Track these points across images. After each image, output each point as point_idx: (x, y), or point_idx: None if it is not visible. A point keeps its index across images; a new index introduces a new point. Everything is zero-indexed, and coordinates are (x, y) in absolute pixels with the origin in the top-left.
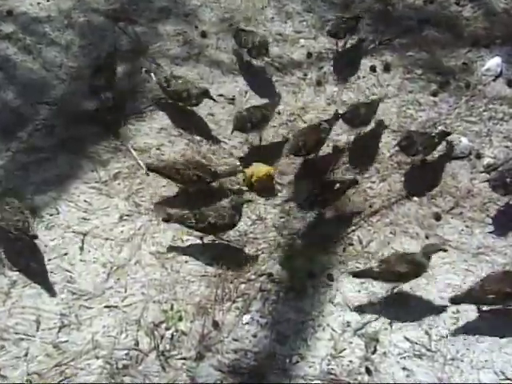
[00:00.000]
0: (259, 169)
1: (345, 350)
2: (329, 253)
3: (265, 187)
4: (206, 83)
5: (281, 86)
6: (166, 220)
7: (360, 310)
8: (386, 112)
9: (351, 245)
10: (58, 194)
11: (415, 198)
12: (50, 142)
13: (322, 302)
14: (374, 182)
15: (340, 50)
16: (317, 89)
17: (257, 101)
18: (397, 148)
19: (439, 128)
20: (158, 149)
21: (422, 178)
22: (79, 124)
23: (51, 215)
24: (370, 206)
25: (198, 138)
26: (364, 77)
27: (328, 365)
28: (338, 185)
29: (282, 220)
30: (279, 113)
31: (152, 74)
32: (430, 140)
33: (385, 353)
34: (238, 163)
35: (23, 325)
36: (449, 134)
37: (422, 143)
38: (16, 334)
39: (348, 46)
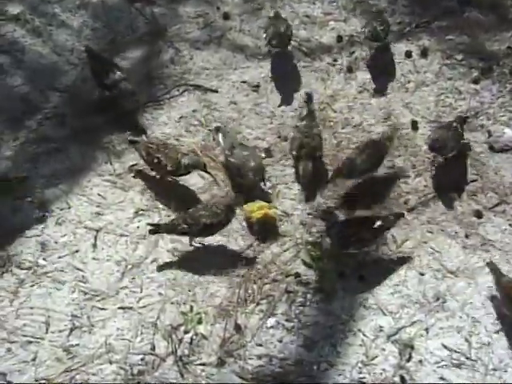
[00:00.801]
0: (258, 208)
1: (377, 357)
2: (361, 252)
3: (265, 230)
4: (228, 69)
5: (309, 73)
6: (153, 232)
7: (394, 314)
8: (423, 101)
9: (385, 244)
10: (70, 187)
11: (454, 195)
12: (61, 132)
13: (352, 305)
14: (408, 177)
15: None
16: (347, 75)
17: (282, 89)
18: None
19: (456, 115)
20: (176, 139)
21: (458, 173)
22: (92, 113)
23: (62, 210)
24: (405, 203)
25: None
26: (399, 63)
27: (359, 373)
28: (378, 223)
29: (310, 217)
30: (306, 102)
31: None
32: (457, 132)
33: (421, 361)
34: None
35: (31, 326)
36: (466, 118)
37: (452, 138)
38: (24, 336)
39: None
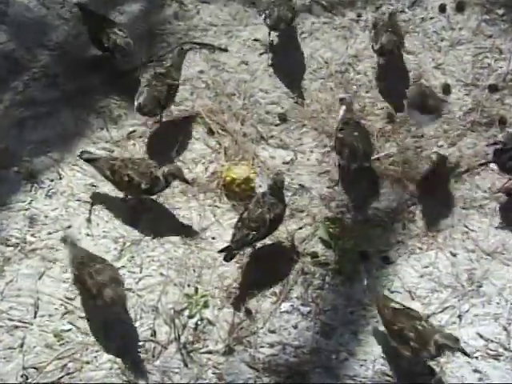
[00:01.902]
0: (238, 172)
1: None
2: (385, 230)
3: (242, 194)
4: (238, 25)
5: (329, 30)
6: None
7: (423, 298)
8: (458, 61)
9: (412, 221)
10: (61, 155)
11: (493, 166)
12: (51, 94)
13: (376, 289)
14: (441, 147)
15: None
16: (372, 33)
17: (299, 48)
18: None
19: None
20: (180, 103)
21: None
22: (86, 73)
23: (52, 181)
24: None
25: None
26: (432, 18)
27: (383, 364)
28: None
29: (330, 190)
30: (326, 62)
31: None
32: None
33: None
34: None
35: (19, 310)
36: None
37: None
38: (10, 320)
39: None
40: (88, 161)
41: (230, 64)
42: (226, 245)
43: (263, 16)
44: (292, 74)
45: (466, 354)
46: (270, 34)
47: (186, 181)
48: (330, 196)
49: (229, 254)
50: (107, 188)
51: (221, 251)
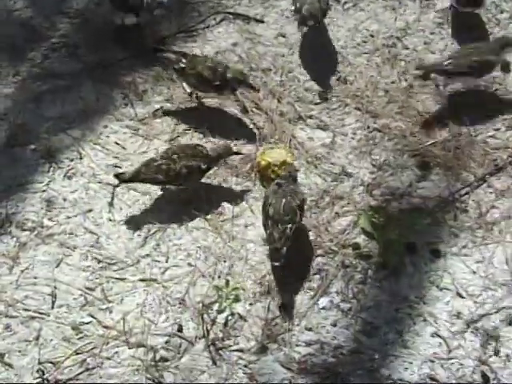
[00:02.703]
0: (273, 155)
1: (453, 349)
2: (435, 221)
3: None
4: None
5: (376, 0)
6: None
7: (475, 297)
8: None
9: (465, 211)
10: (82, 133)
11: None
12: (72, 67)
13: (423, 285)
14: (497, 130)
15: None
16: (424, 3)
17: (342, 19)
18: None
19: None
20: None
21: None
22: (109, 44)
23: (72, 160)
24: (495, 163)
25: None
26: None
27: (430, 368)
28: None
29: (373, 175)
30: (372, 35)
31: None
32: None
33: (508, 356)
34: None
35: (35, 299)
36: None
37: None
38: (25, 310)
39: None
40: (131, 180)
41: (266, 36)
42: (260, 233)
43: (293, 8)
44: (334, 49)
45: None
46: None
47: (237, 154)
48: (373, 182)
49: (277, 255)
50: (131, 169)
51: (271, 257)
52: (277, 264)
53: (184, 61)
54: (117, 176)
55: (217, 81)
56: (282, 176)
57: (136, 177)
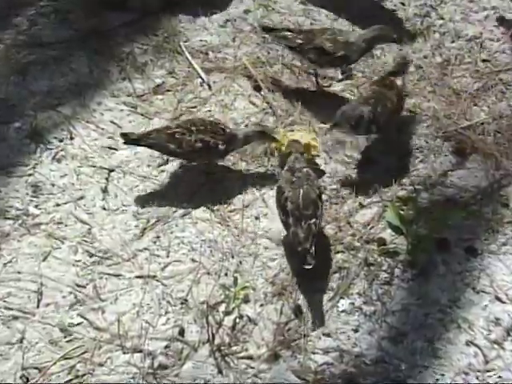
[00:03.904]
0: (299, 138)
1: (491, 359)
2: (471, 215)
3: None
4: None
5: None
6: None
7: None
8: None
9: (505, 205)
10: (73, 110)
11: None
12: (62, 35)
13: (457, 287)
14: None
15: None
16: None
17: None
18: None
19: None
20: (219, 50)
21: None
22: (105, 10)
23: (61, 141)
24: None
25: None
26: None
27: (465, 381)
28: None
29: (402, 162)
30: (403, 3)
31: None
32: None
33: None
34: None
35: (19, 297)
36: None
37: None
38: (8, 309)
39: None
40: (137, 143)
41: (283, 3)
42: (273, 226)
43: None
44: (360, 18)
45: None
46: None
47: (274, 139)
48: (402, 170)
49: (308, 257)
50: (128, 152)
51: (300, 260)
52: (309, 267)
53: (300, 36)
54: (123, 135)
55: (339, 52)
56: (291, 158)
57: (144, 139)
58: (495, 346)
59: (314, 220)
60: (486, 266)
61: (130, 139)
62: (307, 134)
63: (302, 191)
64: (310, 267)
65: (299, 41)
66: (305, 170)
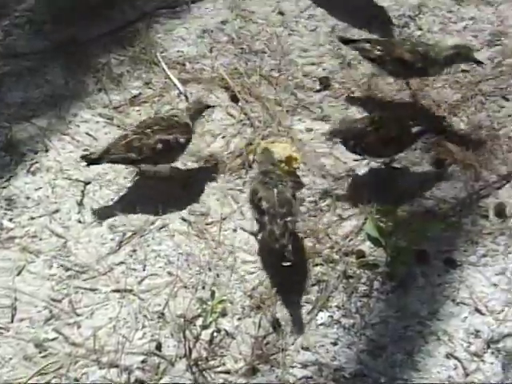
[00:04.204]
0: (277, 150)
1: (471, 372)
2: (450, 226)
3: None
4: None
5: None
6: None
7: (496, 313)
8: None
9: (485, 217)
10: (48, 122)
11: None
12: (37, 46)
13: (437, 299)
14: None
15: None
16: None
17: None
18: None
19: None
20: (197, 61)
21: None
22: (81, 21)
23: (36, 153)
24: None
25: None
26: None
27: None
28: None
29: (381, 175)
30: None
31: None
32: None
33: None
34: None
35: None
36: None
37: None
38: None
39: None
40: (98, 162)
41: (261, 13)
42: (251, 239)
43: None
44: (338, 28)
45: None
46: None
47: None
48: (380, 181)
49: (287, 254)
50: (104, 164)
51: (278, 258)
52: (287, 264)
53: (379, 47)
54: (84, 157)
55: (419, 63)
56: (263, 163)
57: (105, 156)
58: (475, 358)
59: (289, 218)
60: (466, 277)
61: (91, 159)
62: (289, 145)
63: (276, 190)
64: (289, 264)
65: (378, 52)
66: (277, 171)
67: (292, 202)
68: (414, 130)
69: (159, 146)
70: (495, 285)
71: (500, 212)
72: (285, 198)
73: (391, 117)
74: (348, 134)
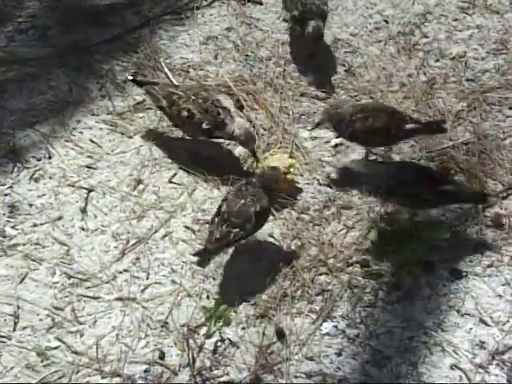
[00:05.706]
0: (276, 159)
1: None
2: (456, 236)
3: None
4: None
5: None
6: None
7: (502, 324)
8: None
9: (490, 226)
10: (51, 128)
11: None
12: (41, 52)
13: (442, 310)
14: None
15: None
16: None
17: (351, 4)
18: None
19: None
20: (201, 68)
21: None
22: (84, 26)
23: (39, 160)
24: None
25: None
26: None
27: None
28: None
29: (386, 184)
30: (386, 21)
31: None
32: None
33: None
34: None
35: None
36: None
37: None
38: None
39: None
40: (139, 83)
41: (266, 20)
42: (257, 242)
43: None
44: (343, 36)
45: None
46: None
47: (253, 153)
48: (386, 191)
49: (204, 257)
50: (108, 171)
51: (195, 254)
52: (200, 267)
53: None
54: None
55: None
56: (260, 174)
57: (148, 82)
58: (480, 369)
59: (236, 230)
60: (471, 288)
61: (136, 80)
62: (286, 155)
63: (242, 201)
64: (202, 268)
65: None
66: (259, 189)
67: (251, 219)
68: (409, 126)
69: (185, 113)
70: (500, 296)
71: (498, 223)
72: (245, 211)
73: (382, 107)
74: (339, 118)
